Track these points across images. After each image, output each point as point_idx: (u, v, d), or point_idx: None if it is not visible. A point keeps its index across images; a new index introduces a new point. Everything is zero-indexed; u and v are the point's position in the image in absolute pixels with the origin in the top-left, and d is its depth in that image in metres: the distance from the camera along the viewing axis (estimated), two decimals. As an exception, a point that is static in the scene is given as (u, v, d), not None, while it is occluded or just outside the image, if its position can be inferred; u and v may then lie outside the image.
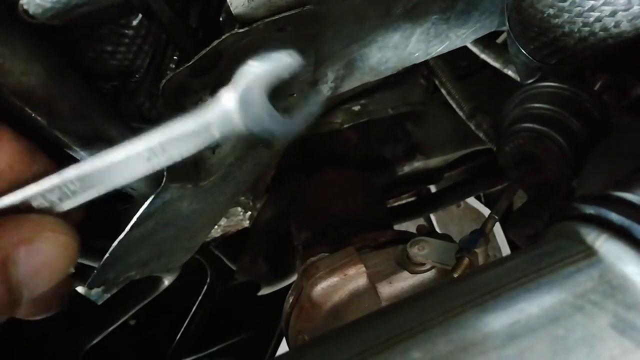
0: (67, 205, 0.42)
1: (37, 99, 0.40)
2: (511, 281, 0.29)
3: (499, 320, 0.27)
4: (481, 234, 0.72)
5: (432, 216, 1.67)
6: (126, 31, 0.57)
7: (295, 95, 0.49)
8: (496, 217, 0.76)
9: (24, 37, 0.42)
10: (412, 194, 1.47)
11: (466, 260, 0.70)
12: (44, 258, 0.40)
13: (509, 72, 0.96)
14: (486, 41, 0.96)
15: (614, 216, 0.30)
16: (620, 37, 0.49)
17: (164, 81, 0.44)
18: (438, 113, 1.20)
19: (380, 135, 1.22)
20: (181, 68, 0.44)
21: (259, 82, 0.40)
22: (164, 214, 0.55)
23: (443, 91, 1.04)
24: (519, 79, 0.89)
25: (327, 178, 1.02)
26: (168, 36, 0.53)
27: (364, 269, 0.76)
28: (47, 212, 0.41)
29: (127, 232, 0.49)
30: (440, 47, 0.76)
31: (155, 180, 0.54)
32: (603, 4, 0.46)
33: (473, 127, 1.01)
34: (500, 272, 0.31)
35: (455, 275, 0.67)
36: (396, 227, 1.33)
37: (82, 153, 0.46)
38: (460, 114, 1.02)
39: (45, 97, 0.40)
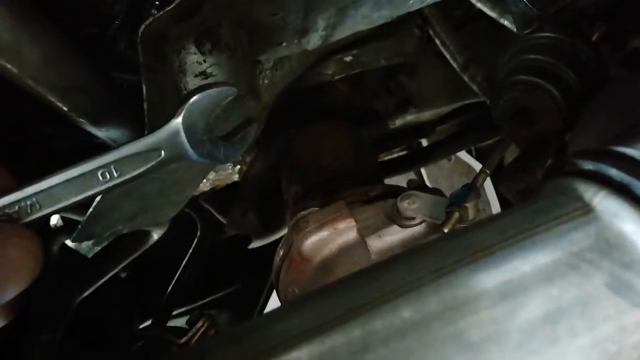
0: (28, 218, 0.44)
1: (3, 43, 0.38)
2: (505, 239, 0.28)
3: (491, 278, 0.27)
4: (472, 189, 0.72)
5: (422, 170, 1.67)
6: (102, -28, 0.53)
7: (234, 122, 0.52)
8: (487, 172, 0.75)
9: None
10: (403, 148, 1.46)
11: (456, 215, 0.69)
12: (12, 264, 0.41)
13: (505, 22, 0.93)
14: (483, -11, 0.92)
15: (614, 172, 0.29)
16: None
17: (142, 26, 0.41)
18: (431, 65, 1.17)
19: (373, 87, 1.19)
20: (161, 12, 0.41)
21: (200, 108, 0.46)
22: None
23: (437, 42, 1.00)
24: (515, 29, 0.87)
25: (317, 131, 1.00)
26: None
27: (354, 223, 0.76)
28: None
29: (107, 194, 0.48)
30: (435, -6, 0.72)
31: (137, 130, 0.52)
32: (610, -53, 0.44)
33: (467, 79, 0.99)
34: (494, 229, 0.30)
35: (446, 230, 0.67)
36: (387, 180, 1.33)
37: (60, 105, 0.44)
38: (454, 65, 1.00)
39: (12, 42, 0.38)
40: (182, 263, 1.22)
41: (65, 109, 0.44)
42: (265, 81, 0.82)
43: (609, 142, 0.32)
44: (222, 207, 1.17)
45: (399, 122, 1.25)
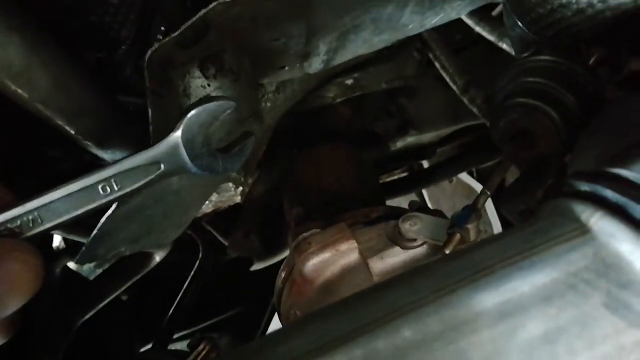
0: (29, 233, 0.44)
1: (15, 70, 0.39)
2: (504, 259, 0.29)
3: (491, 299, 0.27)
4: (473, 210, 0.72)
5: (424, 192, 1.67)
6: (112, 1, 0.55)
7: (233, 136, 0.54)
8: (488, 193, 0.76)
9: (1, 8, 0.40)
10: (404, 170, 1.47)
11: (458, 236, 0.70)
12: (14, 278, 0.42)
13: (504, 46, 0.95)
14: (481, 14, 0.94)
15: (610, 193, 0.29)
16: (619, 10, 0.48)
17: (149, 52, 0.42)
18: (432, 88, 1.19)
19: (374, 110, 1.21)
20: (167, 39, 0.43)
21: (199, 122, 0.47)
22: (152, 191, 0.54)
23: (437, 65, 1.02)
24: (514, 53, 0.88)
25: (319, 153, 1.01)
26: (154, 5, 0.51)
27: (356, 244, 0.76)
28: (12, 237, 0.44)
29: (115, 209, 0.48)
30: (435, 19, 0.74)
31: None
32: (603, -25, 0.45)
33: (467, 102, 1.00)
34: (493, 250, 0.30)
35: (447, 252, 0.67)
36: (389, 202, 1.34)
37: (68, 129, 0.45)
38: (454, 88, 1.01)
39: (24, 68, 0.39)
40: (183, 285, 1.22)
41: (72, 132, 0.45)
42: (268, 104, 0.84)
43: (605, 163, 0.33)
44: (225, 229, 1.17)
45: (400, 144, 1.26)
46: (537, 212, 0.35)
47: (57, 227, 0.44)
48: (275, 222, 1.16)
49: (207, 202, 0.92)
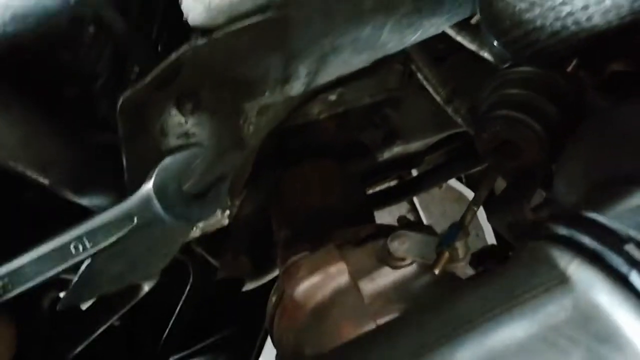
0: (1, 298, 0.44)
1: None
2: (484, 312, 0.28)
3: (471, 355, 0.26)
4: (460, 227, 0.72)
5: (414, 198, 1.67)
6: (83, 38, 0.54)
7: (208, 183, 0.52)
8: (475, 209, 0.75)
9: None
10: (394, 178, 1.46)
11: (446, 255, 0.69)
12: None
13: (485, 55, 0.95)
14: (461, 23, 0.94)
15: (587, 240, 0.29)
16: (593, 31, 0.47)
17: (121, 98, 0.41)
18: (416, 97, 1.18)
19: (358, 122, 1.20)
20: (139, 83, 0.42)
21: (171, 172, 0.47)
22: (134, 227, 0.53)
23: (420, 76, 1.02)
24: (494, 62, 0.88)
25: (304, 171, 1.01)
26: (123, 49, 0.51)
27: (345, 266, 0.76)
28: None
29: (94, 259, 0.47)
30: (413, 37, 0.74)
31: (121, 194, 0.52)
32: (575, -2, 0.45)
33: (451, 112, 1.00)
34: (474, 302, 0.30)
35: (436, 271, 0.67)
36: (379, 212, 1.33)
37: (41, 180, 0.44)
38: (438, 99, 1.01)
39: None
40: (175, 307, 1.20)
41: (46, 183, 0.44)
42: (251, 127, 0.83)
43: (583, 206, 0.32)
44: (215, 249, 1.16)
45: (387, 154, 1.25)
46: (515, 254, 0.35)
47: (29, 290, 0.43)
48: (265, 240, 1.15)
49: (194, 228, 0.91)
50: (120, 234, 0.45)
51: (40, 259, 0.42)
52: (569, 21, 0.47)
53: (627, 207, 0.31)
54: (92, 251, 0.44)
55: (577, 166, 0.72)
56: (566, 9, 0.46)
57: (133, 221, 0.45)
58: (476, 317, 0.28)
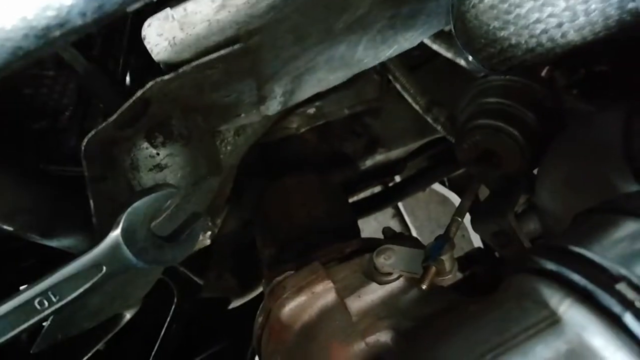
0: None
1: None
2: (474, 358, 0.27)
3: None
4: (446, 240, 0.71)
5: (399, 203, 1.67)
6: (45, 72, 0.52)
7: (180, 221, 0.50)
8: (460, 220, 0.75)
9: None
10: (376, 185, 1.46)
11: (433, 269, 0.68)
12: None
13: (462, 62, 0.94)
14: (436, 32, 0.93)
15: (576, 277, 0.28)
16: (568, 46, 0.47)
17: (85, 140, 0.40)
18: (395, 105, 1.18)
19: (339, 132, 1.19)
20: (104, 123, 0.40)
21: (140, 216, 0.45)
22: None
23: (397, 86, 1.01)
24: (470, 70, 0.88)
25: (287, 186, 0.99)
26: (86, 87, 0.49)
27: (331, 284, 0.74)
28: None
29: (71, 300, 0.45)
30: (389, 52, 0.73)
31: (91, 235, 0.50)
32: (549, 16, 0.44)
33: (430, 121, 1.00)
34: (463, 346, 0.29)
35: (424, 287, 0.66)
36: (365, 220, 1.33)
37: (6, 227, 0.42)
38: (417, 108, 1.01)
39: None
40: (161, 328, 1.18)
41: (11, 229, 0.42)
42: (228, 147, 0.81)
43: (568, 239, 0.32)
44: (198, 268, 1.14)
45: (369, 162, 1.25)
46: (502, 286, 0.34)
47: None
48: (249, 255, 1.13)
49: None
50: (88, 284, 0.43)
51: (3, 317, 0.40)
52: (544, 38, 0.47)
53: (613, 240, 0.30)
54: (58, 304, 0.42)
55: (559, 173, 0.72)
56: (540, 26, 0.46)
57: (102, 270, 0.43)
58: (466, 364, 0.27)
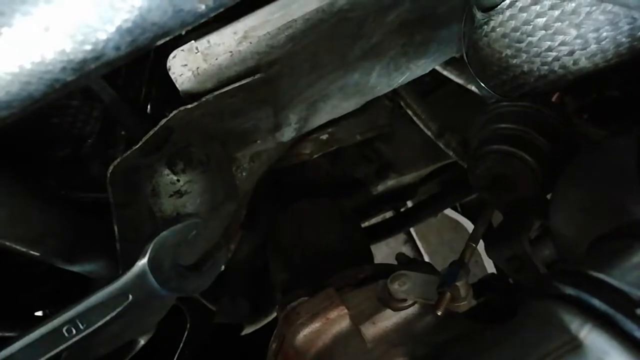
0: None
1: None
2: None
3: None
4: (460, 266, 0.71)
5: (411, 229, 1.66)
6: (71, 102, 0.54)
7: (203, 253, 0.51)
8: (474, 245, 0.75)
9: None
10: (388, 210, 1.46)
11: (448, 295, 0.68)
12: None
13: (473, 88, 0.96)
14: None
15: (596, 302, 0.28)
16: (580, 73, 0.48)
17: (111, 167, 0.41)
18: (406, 130, 1.19)
19: (351, 157, 1.21)
20: (129, 151, 0.41)
21: (166, 246, 0.46)
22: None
23: (409, 112, 1.03)
24: (482, 95, 0.89)
25: (300, 211, 1.00)
26: (111, 116, 0.50)
27: (345, 310, 0.74)
28: None
29: (98, 328, 0.46)
30: (401, 79, 0.75)
31: (113, 261, 0.51)
32: (560, 44, 0.45)
33: (442, 146, 1.01)
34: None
35: (439, 313, 0.66)
36: (377, 245, 1.32)
37: (32, 253, 0.43)
38: (428, 133, 1.02)
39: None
40: (174, 352, 1.17)
41: (37, 254, 0.43)
42: (244, 173, 0.82)
43: (587, 265, 0.32)
44: (211, 294, 1.14)
45: (381, 187, 1.25)
46: (521, 312, 0.34)
47: None
48: (263, 280, 1.13)
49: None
50: (114, 312, 0.43)
51: (31, 345, 0.41)
52: (556, 65, 0.48)
53: (632, 264, 0.30)
54: (85, 332, 0.43)
55: (573, 198, 0.72)
56: (552, 54, 0.47)
57: (128, 298, 0.44)
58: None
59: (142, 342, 0.85)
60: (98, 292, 0.43)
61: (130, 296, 0.44)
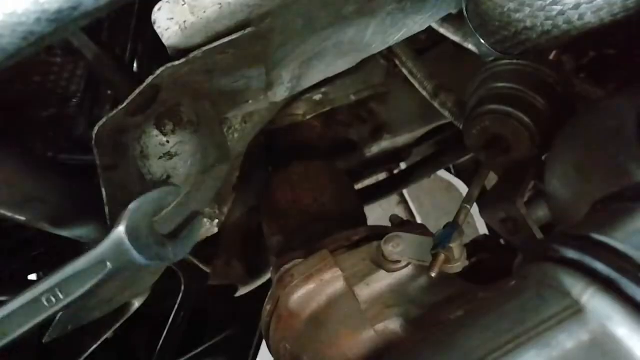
0: None
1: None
2: (494, 349, 0.27)
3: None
4: (455, 227, 0.71)
5: (404, 190, 1.66)
6: (53, 59, 0.51)
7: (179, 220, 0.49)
8: (468, 207, 0.74)
9: None
10: (382, 171, 1.45)
11: (442, 257, 0.68)
12: None
13: (469, 46, 0.93)
14: (444, 15, 0.92)
15: (599, 265, 0.28)
16: (585, 28, 0.46)
17: (96, 127, 0.39)
18: (401, 90, 1.17)
19: (345, 118, 1.19)
20: (115, 111, 0.39)
21: (143, 213, 0.44)
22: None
23: (404, 71, 1.00)
24: (479, 53, 0.87)
25: (294, 173, 0.99)
26: (96, 75, 0.48)
27: (340, 272, 0.74)
28: None
29: (78, 297, 0.45)
30: (398, 35, 0.72)
31: (102, 224, 0.50)
32: (566, -2, 0.43)
33: (437, 106, 0.99)
34: (482, 335, 0.28)
35: (433, 274, 0.66)
36: (370, 206, 1.32)
37: (18, 217, 0.41)
38: (424, 93, 1.00)
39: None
40: (170, 314, 1.19)
41: (23, 219, 0.42)
42: (236, 135, 0.81)
43: (590, 227, 0.31)
44: (206, 256, 1.14)
45: (375, 149, 1.24)
46: (522, 274, 0.34)
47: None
48: (256, 242, 1.13)
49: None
50: (94, 281, 0.42)
51: (10, 316, 0.40)
52: (560, 20, 0.46)
53: (636, 228, 0.29)
54: (66, 301, 0.42)
55: (569, 160, 0.71)
56: (557, 8, 0.45)
57: (106, 266, 0.43)
58: (486, 353, 0.27)
59: (136, 304, 0.86)
60: (75, 262, 0.42)
61: (109, 264, 0.43)
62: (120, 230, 0.43)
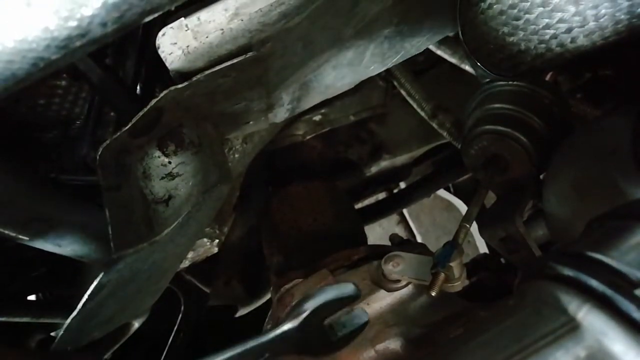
0: None
1: None
2: (493, 366, 0.27)
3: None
4: (454, 246, 0.71)
5: (404, 209, 1.67)
6: (58, 82, 0.52)
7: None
8: (468, 226, 0.75)
9: None
10: (382, 191, 1.46)
11: (442, 276, 0.68)
12: None
13: (466, 68, 0.95)
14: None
15: (595, 283, 0.28)
16: (578, 51, 0.47)
17: (100, 149, 0.40)
18: (400, 111, 1.18)
19: (344, 138, 1.20)
20: (119, 132, 0.40)
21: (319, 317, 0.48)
22: (121, 277, 0.52)
23: (403, 92, 1.02)
24: (476, 74, 0.88)
25: (293, 193, 0.99)
26: (100, 97, 0.49)
27: (340, 292, 0.74)
28: None
29: (81, 308, 0.45)
30: (395, 58, 0.73)
31: (104, 244, 0.50)
32: (558, 22, 0.45)
33: (436, 126, 1.00)
34: (481, 352, 0.29)
35: (433, 293, 0.66)
36: (370, 226, 1.32)
37: (20, 237, 0.42)
38: (422, 114, 1.01)
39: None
40: (168, 334, 1.18)
41: (25, 239, 0.43)
42: (236, 155, 0.81)
43: (586, 246, 0.32)
44: (205, 276, 1.14)
45: (374, 168, 1.25)
46: (519, 293, 0.34)
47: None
48: (256, 261, 1.13)
49: (184, 260, 0.89)
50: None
51: None
52: (553, 43, 0.47)
53: (630, 245, 0.30)
54: None
55: (567, 178, 0.72)
56: (550, 32, 0.46)
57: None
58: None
59: (136, 325, 0.85)
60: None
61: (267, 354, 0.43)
62: (291, 327, 0.45)
